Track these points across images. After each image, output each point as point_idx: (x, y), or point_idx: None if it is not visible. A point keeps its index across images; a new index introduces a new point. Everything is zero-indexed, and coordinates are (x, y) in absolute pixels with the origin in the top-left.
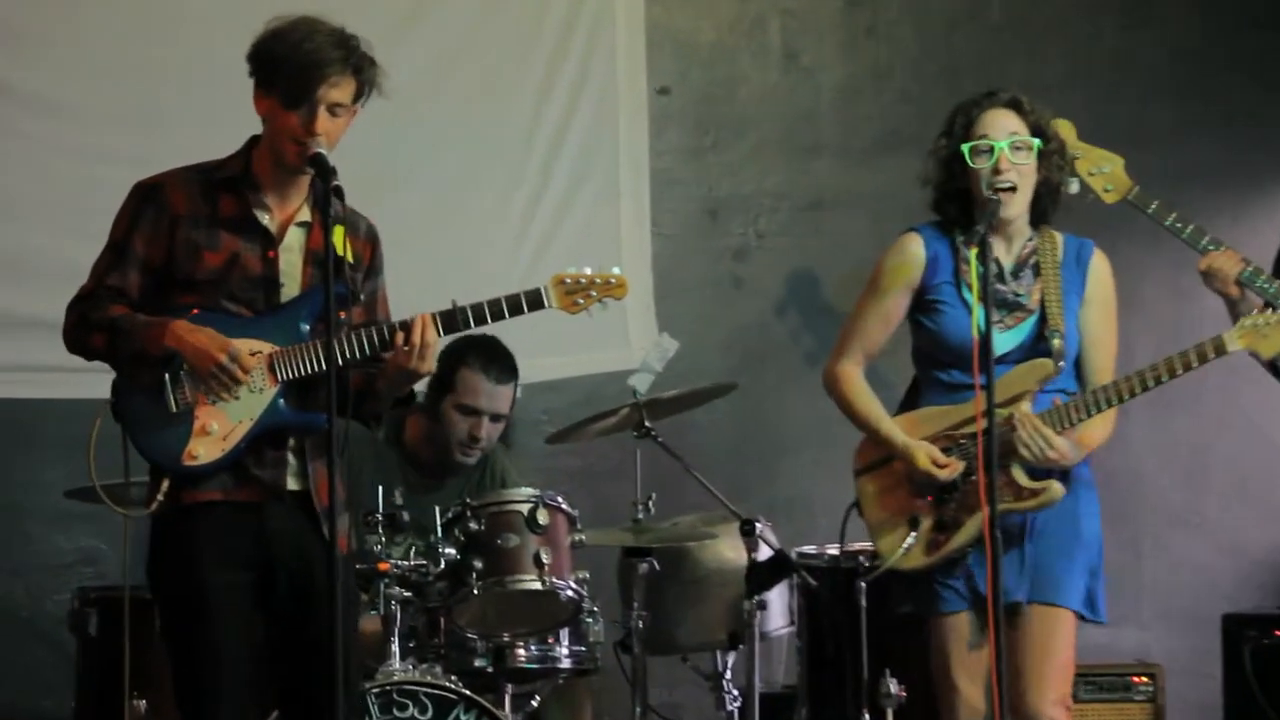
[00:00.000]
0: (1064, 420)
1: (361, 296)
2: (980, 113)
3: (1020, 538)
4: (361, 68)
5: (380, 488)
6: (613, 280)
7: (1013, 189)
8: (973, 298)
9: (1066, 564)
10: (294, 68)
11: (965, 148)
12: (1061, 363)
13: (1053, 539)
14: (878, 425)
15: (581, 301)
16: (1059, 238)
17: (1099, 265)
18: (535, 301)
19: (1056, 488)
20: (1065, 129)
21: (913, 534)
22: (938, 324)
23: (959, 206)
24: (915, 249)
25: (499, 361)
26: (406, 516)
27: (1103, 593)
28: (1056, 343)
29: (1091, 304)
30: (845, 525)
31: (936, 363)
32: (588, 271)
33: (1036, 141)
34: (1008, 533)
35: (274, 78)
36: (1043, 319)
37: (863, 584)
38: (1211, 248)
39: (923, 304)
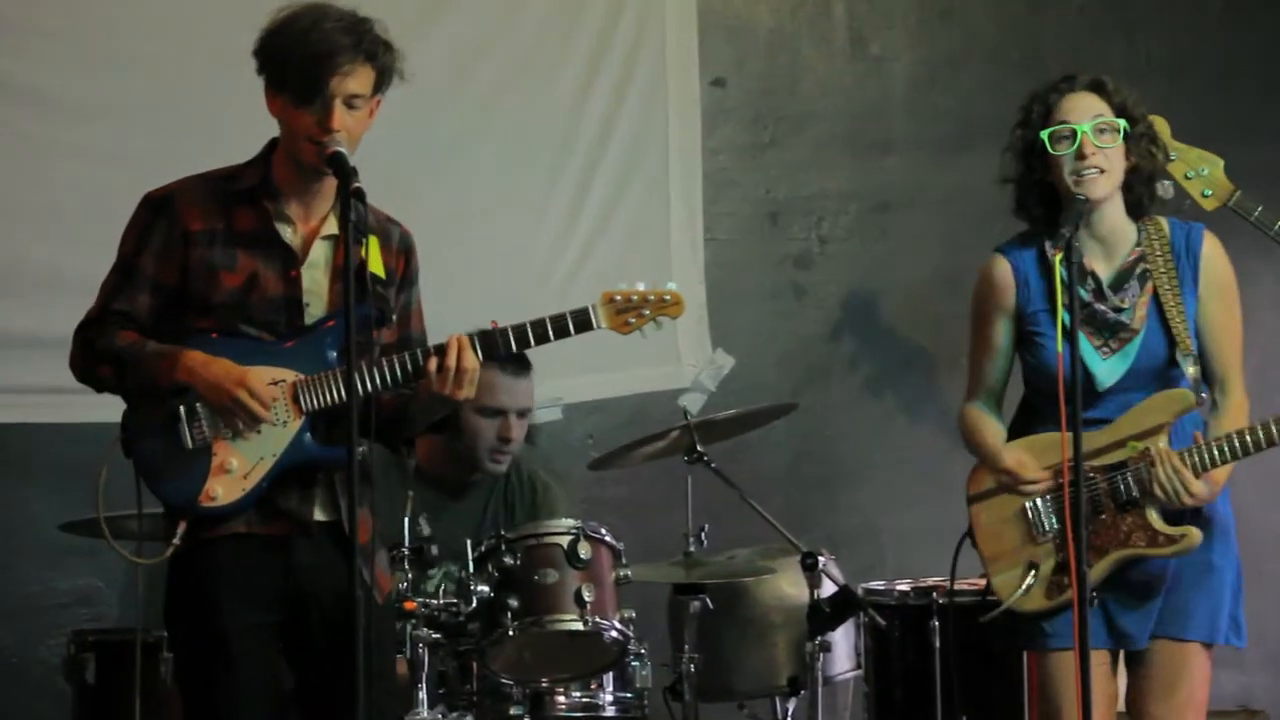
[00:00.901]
0: (1204, 462)
1: (394, 315)
2: (1059, 98)
3: (1159, 585)
4: (376, 53)
5: (405, 520)
6: (668, 298)
7: (1100, 172)
8: (1068, 318)
9: (1195, 595)
10: (302, 60)
11: (1044, 135)
12: (1204, 394)
13: (1185, 575)
14: (981, 442)
15: (633, 321)
16: (1164, 224)
17: (1211, 250)
18: (583, 322)
19: (1195, 535)
20: (1159, 126)
21: (1032, 575)
22: (1038, 358)
23: (1043, 204)
24: (1002, 274)
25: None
26: (435, 550)
27: (1242, 614)
28: (1192, 370)
29: (1208, 295)
30: (956, 559)
31: (1047, 396)
32: (640, 288)
33: (1122, 123)
34: (1147, 582)
35: (283, 74)
36: (1170, 341)
37: (936, 623)
38: None
39: (1023, 335)
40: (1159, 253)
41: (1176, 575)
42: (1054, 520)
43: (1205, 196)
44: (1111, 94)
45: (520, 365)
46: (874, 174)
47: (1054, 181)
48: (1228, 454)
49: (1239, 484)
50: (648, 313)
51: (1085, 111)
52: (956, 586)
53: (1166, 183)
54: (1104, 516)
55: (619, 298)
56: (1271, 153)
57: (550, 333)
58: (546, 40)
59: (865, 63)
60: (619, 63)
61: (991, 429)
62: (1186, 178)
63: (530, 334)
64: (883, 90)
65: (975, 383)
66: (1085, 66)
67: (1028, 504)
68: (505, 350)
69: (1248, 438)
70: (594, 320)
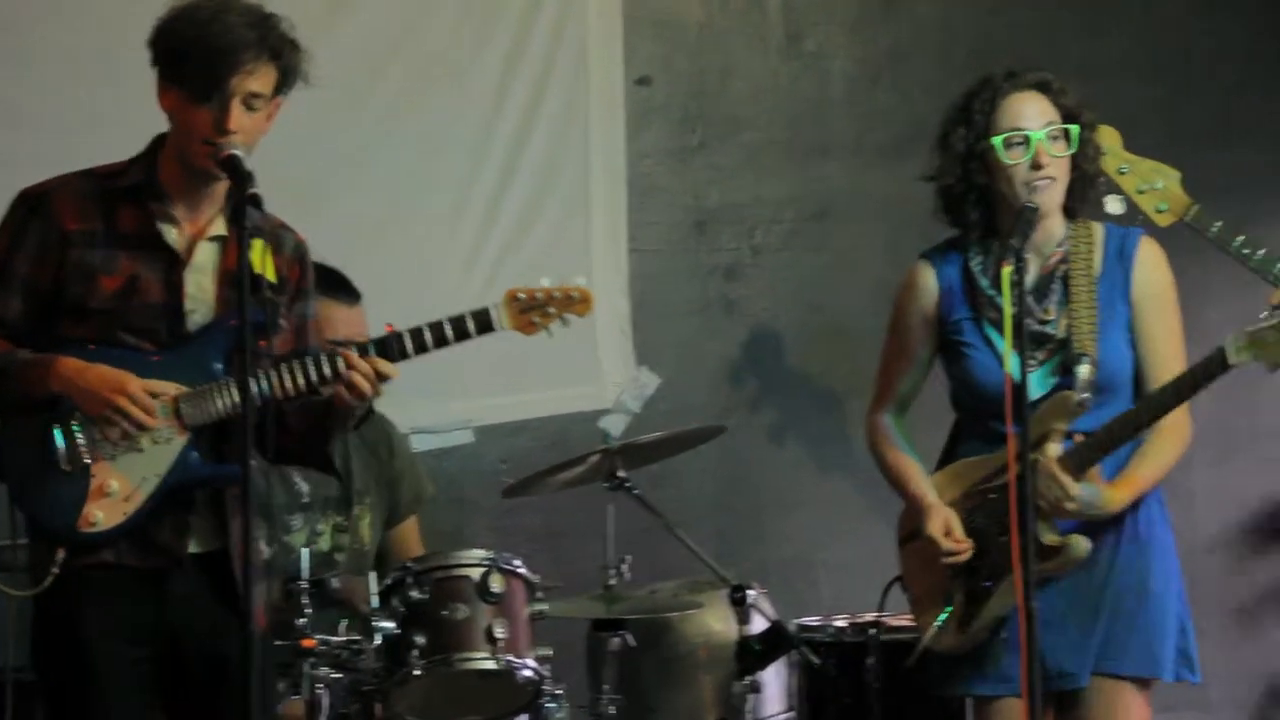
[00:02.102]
0: (1082, 462)
1: (282, 323)
2: (1004, 98)
3: (1095, 610)
4: (281, 51)
5: (305, 551)
6: (574, 294)
7: (1052, 181)
8: (996, 334)
9: (1132, 625)
10: (201, 54)
11: (998, 141)
12: (1086, 395)
13: (1121, 603)
14: (905, 483)
15: (538, 321)
16: (1098, 232)
17: (1147, 256)
18: (484, 323)
19: (1078, 544)
20: (1110, 137)
21: (946, 609)
22: (964, 369)
23: (978, 208)
24: (925, 280)
25: (341, 282)
26: (336, 584)
27: (1195, 648)
28: (1083, 370)
29: (1142, 304)
30: (885, 597)
31: (973, 410)
32: (545, 284)
33: (1075, 128)
34: (1083, 613)
35: (179, 67)
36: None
37: (872, 661)
38: None
39: (946, 344)
40: (1083, 254)
41: (1114, 604)
42: None
43: (1160, 212)
44: (1057, 94)
45: (352, 294)
46: (811, 180)
47: (993, 186)
48: (1096, 450)
49: (1211, 519)
50: (553, 311)
51: (1037, 116)
52: (896, 622)
53: (1119, 197)
54: (1004, 539)
55: (522, 295)
56: (1240, 156)
57: (450, 334)
58: (460, 37)
59: (801, 60)
60: (537, 60)
61: (913, 470)
62: (1139, 192)
63: (428, 336)
64: (820, 90)
65: (887, 391)
66: (1040, 63)
67: None
68: (400, 356)
69: (1113, 428)
70: (495, 321)
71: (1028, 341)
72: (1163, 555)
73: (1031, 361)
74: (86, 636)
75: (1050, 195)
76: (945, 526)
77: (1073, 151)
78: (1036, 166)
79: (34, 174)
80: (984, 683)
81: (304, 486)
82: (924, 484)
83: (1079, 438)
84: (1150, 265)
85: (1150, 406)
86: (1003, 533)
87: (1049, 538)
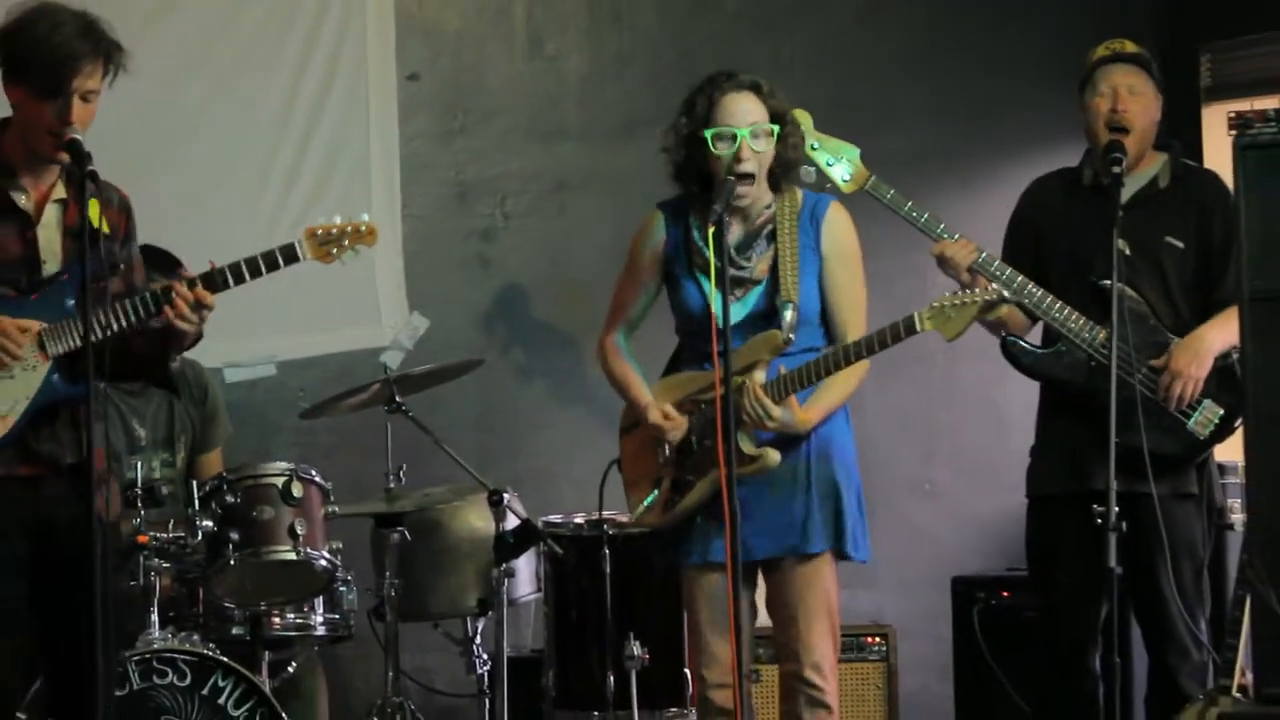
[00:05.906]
0: (783, 390)
1: (120, 266)
2: (722, 95)
3: (791, 502)
4: (111, 53)
5: (138, 462)
6: (363, 228)
7: (751, 177)
8: (702, 276)
9: (819, 512)
10: (44, 62)
11: (709, 134)
12: (792, 335)
13: (811, 498)
14: (627, 387)
15: (335, 251)
16: (799, 196)
17: (834, 219)
18: (290, 255)
19: (771, 455)
20: (802, 118)
21: (654, 492)
22: (674, 299)
23: (699, 181)
24: (656, 225)
25: (166, 257)
26: (165, 490)
27: (865, 534)
28: (788, 314)
29: (829, 259)
30: (603, 486)
31: (687, 334)
32: (338, 220)
33: (775, 128)
34: (776, 499)
35: (23, 70)
36: (775, 289)
37: (606, 551)
38: (945, 235)
39: (667, 276)
40: (787, 218)
41: (806, 498)
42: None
43: (844, 181)
44: (766, 96)
45: (172, 266)
46: (551, 158)
47: (708, 168)
48: (797, 382)
49: (881, 429)
50: (347, 242)
51: (745, 115)
52: (624, 519)
53: (810, 168)
54: (708, 443)
55: (320, 231)
56: (894, 143)
57: (262, 267)
58: (264, 35)
59: (542, 60)
60: (326, 59)
61: (635, 377)
62: (828, 164)
63: (245, 269)
64: (558, 85)
65: (618, 315)
66: (734, 65)
67: None
68: (223, 286)
69: (814, 366)
70: (299, 253)
71: (732, 283)
72: (843, 458)
73: (733, 296)
74: None
75: (751, 187)
76: (663, 414)
77: (774, 146)
78: (739, 160)
79: None
80: (690, 556)
81: (140, 432)
82: (644, 388)
83: (782, 368)
84: (836, 226)
85: (845, 354)
86: (706, 438)
87: (748, 447)
